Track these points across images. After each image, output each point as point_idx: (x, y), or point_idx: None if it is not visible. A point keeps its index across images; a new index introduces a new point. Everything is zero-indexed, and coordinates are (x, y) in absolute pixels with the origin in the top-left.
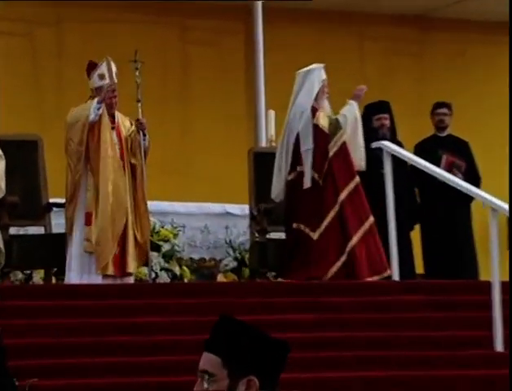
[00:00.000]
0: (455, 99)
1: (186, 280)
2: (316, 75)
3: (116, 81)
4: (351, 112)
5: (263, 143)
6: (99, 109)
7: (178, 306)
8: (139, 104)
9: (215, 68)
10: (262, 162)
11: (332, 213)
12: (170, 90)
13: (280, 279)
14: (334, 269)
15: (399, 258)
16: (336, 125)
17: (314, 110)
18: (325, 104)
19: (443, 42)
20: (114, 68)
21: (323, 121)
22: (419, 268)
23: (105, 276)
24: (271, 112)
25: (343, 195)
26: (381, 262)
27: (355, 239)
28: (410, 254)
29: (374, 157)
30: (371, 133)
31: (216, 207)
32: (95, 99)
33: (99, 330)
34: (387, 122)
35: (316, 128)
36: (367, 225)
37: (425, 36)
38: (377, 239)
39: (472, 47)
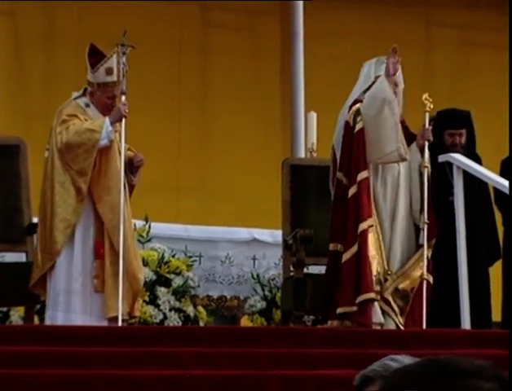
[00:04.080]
0: None
1: (201, 324)
2: (368, 68)
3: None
4: (374, 90)
5: (302, 153)
6: (111, 132)
7: (190, 357)
8: (123, 98)
9: (243, 57)
10: (300, 177)
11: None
12: (185, 84)
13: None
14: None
15: (471, 302)
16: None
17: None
18: None
19: None
20: (124, 62)
21: (351, 112)
22: (497, 314)
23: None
24: (312, 115)
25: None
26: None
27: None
28: (487, 297)
29: (441, 178)
30: (439, 151)
31: (241, 232)
32: (106, 118)
33: (91, 384)
34: (462, 139)
35: (345, 124)
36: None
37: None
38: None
39: None
